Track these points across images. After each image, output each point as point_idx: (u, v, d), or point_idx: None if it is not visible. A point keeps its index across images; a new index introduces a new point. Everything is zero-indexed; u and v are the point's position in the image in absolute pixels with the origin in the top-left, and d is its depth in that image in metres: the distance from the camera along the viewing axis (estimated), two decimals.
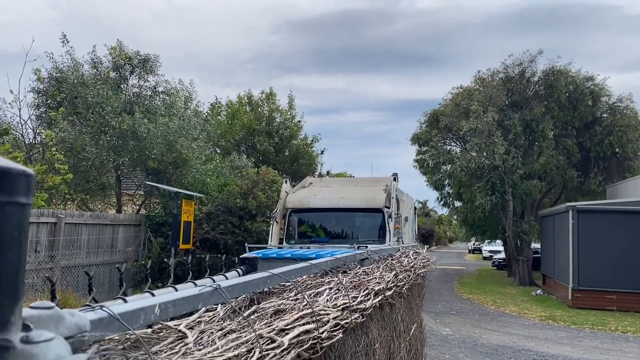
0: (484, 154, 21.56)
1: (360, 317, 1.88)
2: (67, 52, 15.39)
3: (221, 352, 1.00)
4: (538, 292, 20.77)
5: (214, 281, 1.44)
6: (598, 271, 16.50)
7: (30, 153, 14.26)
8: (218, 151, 22.95)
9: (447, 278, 27.35)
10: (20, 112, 14.54)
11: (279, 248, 11.08)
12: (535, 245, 25.86)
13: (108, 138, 15.02)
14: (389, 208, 12.74)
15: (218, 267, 14.98)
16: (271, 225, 12.90)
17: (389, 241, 12.13)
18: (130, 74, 16.70)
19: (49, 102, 15.66)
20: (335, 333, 1.50)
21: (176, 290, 2.33)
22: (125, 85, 16.74)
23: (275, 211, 12.98)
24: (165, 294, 1.12)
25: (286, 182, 13.87)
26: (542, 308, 16.81)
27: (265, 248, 10.36)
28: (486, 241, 41.00)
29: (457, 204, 28.70)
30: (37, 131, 15.39)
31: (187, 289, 1.13)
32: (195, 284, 1.24)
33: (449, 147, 26.25)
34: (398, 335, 2.74)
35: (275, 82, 73.31)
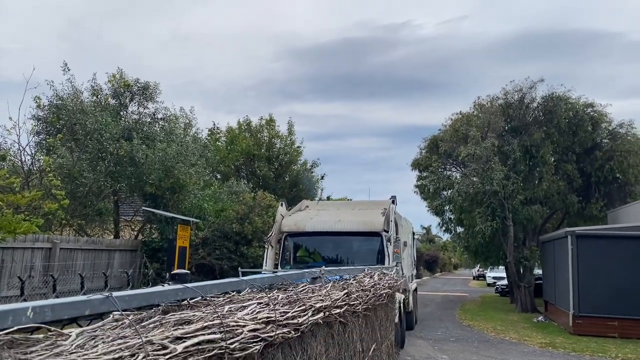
0: (483, 179, 21.55)
1: (294, 332, 1.89)
2: (68, 79, 15.68)
3: (99, 355, 1.03)
4: (539, 318, 20.49)
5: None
6: (599, 297, 16.30)
7: (28, 179, 14.40)
8: (218, 177, 23.09)
9: (450, 305, 27.06)
10: (19, 138, 14.74)
11: (273, 273, 11.17)
12: (538, 271, 25.63)
13: (106, 164, 15.16)
14: (387, 232, 12.41)
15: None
16: (266, 250, 12.60)
17: (388, 263, 11.85)
18: (129, 101, 16.95)
19: (48, 129, 15.88)
20: (251, 345, 1.53)
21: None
22: (124, 112, 16.97)
23: (270, 235, 12.64)
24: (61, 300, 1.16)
25: (282, 205, 13.58)
26: (542, 335, 16.57)
27: (260, 273, 10.39)
28: (489, 267, 40.67)
29: (459, 229, 28.59)
30: (36, 157, 15.57)
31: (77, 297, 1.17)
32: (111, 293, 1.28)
33: (448, 173, 26.28)
34: (353, 354, 2.74)
35: (276, 109, 74.37)
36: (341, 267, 10.21)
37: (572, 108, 23.04)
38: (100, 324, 1.33)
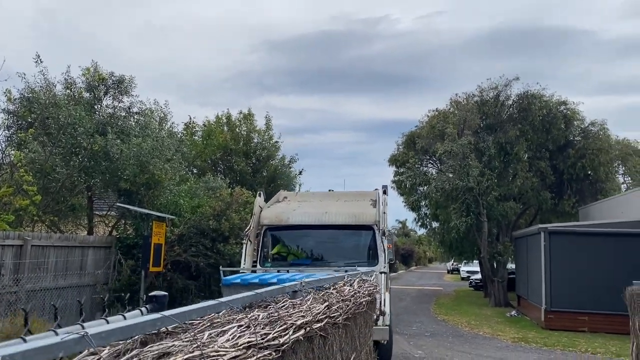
0: (459, 175, 21.79)
1: (275, 353, 1.86)
2: (41, 72, 15.27)
3: None
4: (512, 313, 20.86)
5: (107, 322, 1.42)
6: (570, 292, 16.66)
7: None
8: (194, 171, 22.84)
9: (424, 299, 27.36)
10: None
11: (252, 272, 9.51)
12: (511, 266, 26.07)
13: (79, 159, 14.85)
14: (379, 225, 11.20)
15: (189, 291, 14.65)
16: (244, 245, 11.17)
17: (384, 263, 10.63)
18: (104, 95, 16.60)
19: (19, 122, 15.47)
20: None
21: (125, 318, 2.30)
22: (98, 106, 16.62)
23: (249, 229, 11.26)
24: (37, 340, 1.10)
25: (260, 195, 12.29)
26: (515, 329, 16.88)
27: (238, 272, 9.15)
28: (464, 262, 41.23)
29: (434, 224, 28.90)
30: (6, 152, 15.16)
31: (49, 337, 1.12)
32: (83, 326, 1.23)
33: (425, 169, 26.52)
34: None
35: (253, 102, 73.97)
36: (324, 269, 8.90)
37: (545, 106, 23.43)
38: None
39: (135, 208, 14.32)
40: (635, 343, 6.13)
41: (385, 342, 9.85)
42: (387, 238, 11.26)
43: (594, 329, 16.05)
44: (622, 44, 48.98)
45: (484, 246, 23.25)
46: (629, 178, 28.26)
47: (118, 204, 15.32)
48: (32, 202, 13.02)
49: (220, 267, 8.49)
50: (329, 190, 13.99)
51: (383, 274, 10.01)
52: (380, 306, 9.06)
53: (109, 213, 17.74)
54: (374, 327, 9.36)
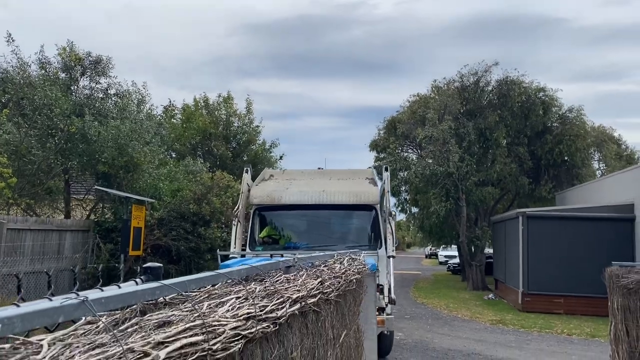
0: (439, 161, 21.93)
1: (272, 325, 1.83)
2: (13, 51, 14.84)
3: None
4: (490, 296, 21.20)
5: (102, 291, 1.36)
6: (546, 275, 16.97)
7: None
8: (173, 155, 22.57)
9: (404, 283, 27.64)
10: None
11: (241, 257, 8.49)
12: (489, 251, 26.45)
13: (56, 141, 14.53)
14: (381, 205, 10.35)
15: (170, 275, 14.55)
16: (234, 227, 10.16)
17: (392, 246, 9.73)
18: (81, 76, 16.23)
19: None
20: (232, 344, 1.45)
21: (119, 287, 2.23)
22: (75, 87, 16.26)
23: (237, 209, 10.34)
24: (27, 306, 1.04)
25: (247, 171, 11.17)
26: (493, 312, 17.16)
27: (228, 257, 8.49)
28: (442, 246, 41.73)
29: (414, 209, 29.11)
30: None
31: (43, 302, 1.06)
32: (78, 294, 1.17)
33: (405, 154, 26.64)
34: (325, 342, 2.70)
35: (232, 86, 73.06)
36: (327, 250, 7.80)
37: (524, 92, 23.64)
38: (72, 328, 1.22)
39: (114, 191, 14.11)
40: (613, 323, 6.25)
41: (389, 332, 9.48)
42: (393, 219, 10.27)
43: (569, 311, 16.41)
44: (598, 32, 49.72)
45: (463, 231, 23.52)
46: (604, 164, 28.80)
47: (96, 187, 15.07)
48: (7, 185, 12.72)
49: (218, 251, 8.09)
50: (318, 169, 12.85)
51: (391, 259, 9.46)
52: (388, 293, 8.68)
53: (87, 196, 17.45)
54: (385, 317, 8.72)
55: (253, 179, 11.61)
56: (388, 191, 10.82)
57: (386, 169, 11.60)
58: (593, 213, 17.20)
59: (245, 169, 11.42)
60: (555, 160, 23.76)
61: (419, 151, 25.28)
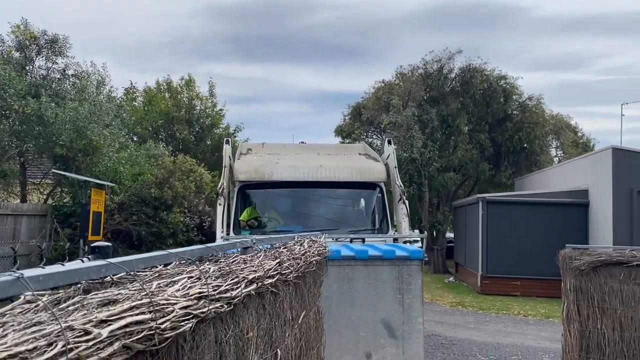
0: (403, 147, 22.15)
1: (227, 306, 1.81)
2: None
3: (9, 347, 0.90)
4: (450, 279, 21.67)
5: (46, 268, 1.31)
6: (504, 259, 17.44)
7: None
8: (135, 139, 22.08)
9: None
10: None
11: (224, 240, 7.41)
12: (450, 235, 26.98)
13: (10, 122, 14.00)
14: (387, 183, 9.33)
15: None
16: (219, 207, 8.65)
17: (406, 230, 8.72)
18: (36, 55, 15.63)
19: None
20: (182, 324, 1.42)
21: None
22: (30, 67, 15.67)
23: (221, 186, 8.83)
24: None
25: (227, 142, 9.93)
26: (453, 295, 17.56)
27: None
28: None
29: None
30: None
31: None
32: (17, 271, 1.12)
33: (370, 140, 26.79)
34: (283, 323, 2.70)
35: (194, 69, 71.27)
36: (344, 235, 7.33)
37: (486, 80, 24.05)
38: (9, 307, 1.17)
39: (73, 175, 13.72)
40: (566, 303, 6.47)
41: None
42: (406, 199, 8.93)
43: (525, 293, 16.93)
44: (558, 21, 50.80)
45: (425, 215, 23.88)
46: (561, 151, 29.64)
47: (54, 170, 14.63)
48: None
49: (223, 236, 7.17)
50: (301, 142, 11.60)
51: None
52: None
53: (44, 180, 16.94)
54: None
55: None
56: (395, 167, 9.55)
57: (389, 142, 10.34)
58: (550, 198, 17.73)
59: (225, 139, 10.19)
60: (515, 147, 24.34)
61: (383, 137, 25.46)
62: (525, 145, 24.62)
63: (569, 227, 16.80)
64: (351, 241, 7.31)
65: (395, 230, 9.08)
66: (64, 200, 15.34)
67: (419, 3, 47.96)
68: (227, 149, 9.71)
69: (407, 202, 9.11)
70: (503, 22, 48.90)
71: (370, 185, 9.13)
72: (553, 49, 54.48)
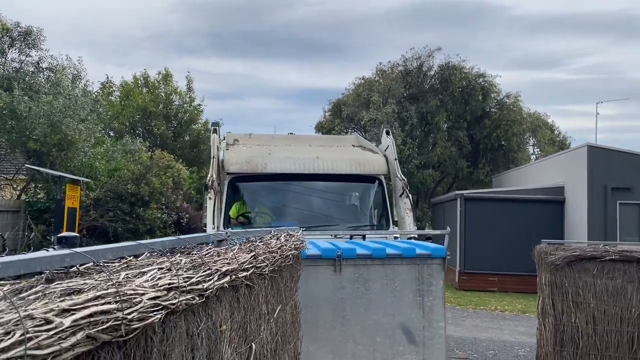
0: None
1: (199, 298, 1.77)
2: None
3: None
4: None
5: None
6: (482, 255, 17.62)
7: None
8: (111, 134, 21.76)
9: None
10: None
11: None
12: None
13: None
14: (388, 176, 8.87)
15: None
16: (209, 202, 8.06)
17: (411, 225, 8.30)
18: (9, 47, 15.29)
19: None
20: (151, 315, 1.39)
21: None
22: (3, 60, 15.32)
23: (210, 178, 8.21)
24: None
25: (215, 131, 9.25)
26: None
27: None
28: None
29: None
30: None
31: None
32: None
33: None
34: (258, 317, 2.68)
35: (172, 64, 70.48)
36: (320, 236, 6.79)
37: (465, 77, 24.28)
38: None
39: (47, 170, 13.46)
40: (541, 298, 6.56)
41: None
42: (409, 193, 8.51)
43: (503, 289, 17.13)
44: (534, 20, 51.46)
45: None
46: (538, 149, 30.09)
47: (27, 165, 14.33)
48: None
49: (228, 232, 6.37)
50: (289, 134, 10.98)
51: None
52: None
53: (17, 175, 16.58)
54: None
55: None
56: (395, 159, 8.92)
57: (387, 133, 9.70)
58: (527, 195, 17.96)
59: (212, 127, 9.48)
60: (492, 144, 24.62)
61: (363, 134, 25.53)
62: (502, 142, 24.91)
63: (545, 224, 17.05)
64: (351, 238, 6.92)
65: (396, 227, 8.56)
66: (38, 196, 15.04)
67: (400, 0, 48.20)
68: (215, 138, 9.09)
69: (410, 195, 8.62)
70: (482, 21, 49.39)
71: (370, 179, 8.64)
72: (530, 48, 55.21)
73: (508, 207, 17.83)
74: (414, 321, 5.26)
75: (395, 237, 7.65)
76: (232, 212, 8.33)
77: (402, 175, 8.77)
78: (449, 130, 24.65)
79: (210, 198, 8.02)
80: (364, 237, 6.94)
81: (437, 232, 7.53)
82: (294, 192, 8.61)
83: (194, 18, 54.59)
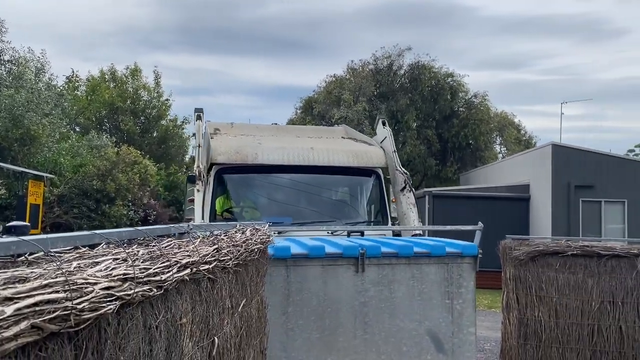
0: None
1: (157, 289, 1.73)
2: None
3: None
4: None
5: None
6: None
7: None
8: (77, 129, 21.27)
9: None
10: None
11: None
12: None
13: None
14: (386, 170, 8.36)
15: None
16: (197, 194, 7.40)
17: (415, 221, 7.78)
18: None
19: None
20: (104, 305, 1.34)
21: None
22: None
23: (197, 168, 7.55)
24: None
25: (199, 117, 8.62)
26: None
27: None
28: None
29: None
30: None
31: None
32: None
33: None
34: (222, 311, 2.64)
35: (140, 59, 69.06)
36: (315, 232, 6.48)
37: (434, 77, 24.56)
38: None
39: (8, 166, 13.07)
40: (505, 292, 6.67)
41: None
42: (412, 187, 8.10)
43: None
44: (501, 22, 52.44)
45: None
46: (505, 148, 30.66)
47: None
48: None
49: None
50: (273, 124, 10.35)
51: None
52: None
53: None
54: None
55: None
56: (394, 151, 8.37)
57: (384, 124, 9.11)
58: (493, 193, 18.28)
59: (196, 113, 8.85)
60: (460, 143, 24.98)
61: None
62: (470, 141, 25.30)
63: (511, 221, 17.36)
64: (349, 234, 6.55)
65: (396, 222, 8.15)
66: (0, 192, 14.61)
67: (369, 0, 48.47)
68: (200, 125, 8.39)
69: (413, 189, 8.11)
70: (451, 21, 50.01)
71: (368, 172, 8.06)
72: (498, 49, 56.21)
73: (475, 205, 18.10)
74: (442, 327, 4.83)
75: (415, 235, 7.22)
76: (217, 206, 7.72)
77: (403, 169, 8.28)
78: (418, 129, 24.89)
79: (198, 190, 7.36)
80: (362, 233, 6.66)
81: (469, 227, 6.66)
82: (286, 186, 8.00)
83: (164, 13, 53.81)
